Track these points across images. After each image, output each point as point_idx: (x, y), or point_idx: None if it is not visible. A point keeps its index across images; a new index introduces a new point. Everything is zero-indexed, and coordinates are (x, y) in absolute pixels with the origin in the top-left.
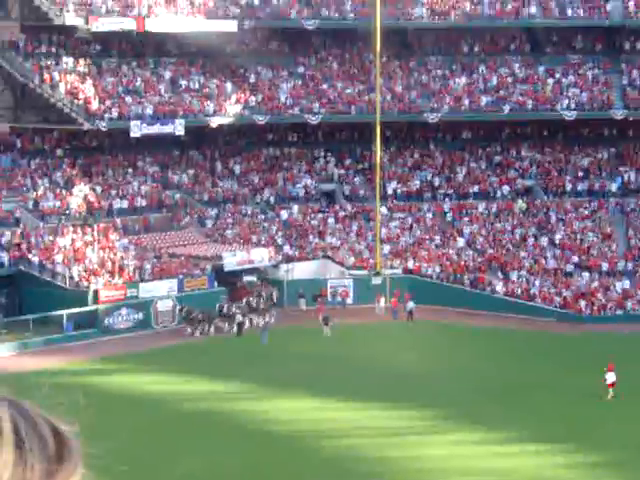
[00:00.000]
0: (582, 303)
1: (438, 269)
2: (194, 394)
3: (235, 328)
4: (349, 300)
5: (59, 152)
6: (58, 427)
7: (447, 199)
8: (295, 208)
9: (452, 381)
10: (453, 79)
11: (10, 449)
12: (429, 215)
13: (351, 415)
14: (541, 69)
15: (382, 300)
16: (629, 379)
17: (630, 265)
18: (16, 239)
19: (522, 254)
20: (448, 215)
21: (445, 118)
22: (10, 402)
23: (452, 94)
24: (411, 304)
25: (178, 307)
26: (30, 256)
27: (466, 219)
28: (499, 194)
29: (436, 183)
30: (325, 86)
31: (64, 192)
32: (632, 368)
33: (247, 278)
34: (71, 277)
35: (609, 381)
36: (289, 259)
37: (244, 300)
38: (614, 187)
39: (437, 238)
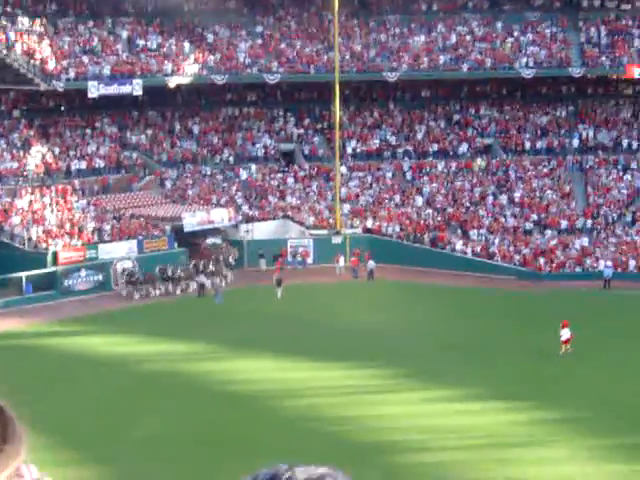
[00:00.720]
0: (541, 261)
1: (398, 228)
2: (154, 355)
3: (179, 289)
4: (309, 260)
5: (16, 113)
6: (3, 408)
7: (406, 158)
8: (254, 168)
9: (412, 339)
10: (412, 37)
11: None
12: (389, 174)
13: (312, 374)
14: (499, 27)
15: (341, 260)
16: (586, 336)
17: (589, 223)
18: None
19: (481, 212)
20: (408, 174)
21: (404, 77)
22: None
23: (411, 53)
24: (371, 263)
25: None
26: None
27: (425, 178)
28: (458, 153)
29: (395, 142)
30: (284, 45)
31: (21, 153)
32: (590, 325)
33: (210, 240)
34: (29, 239)
35: (563, 337)
36: (249, 219)
37: (192, 262)
38: (573, 145)
39: (397, 197)
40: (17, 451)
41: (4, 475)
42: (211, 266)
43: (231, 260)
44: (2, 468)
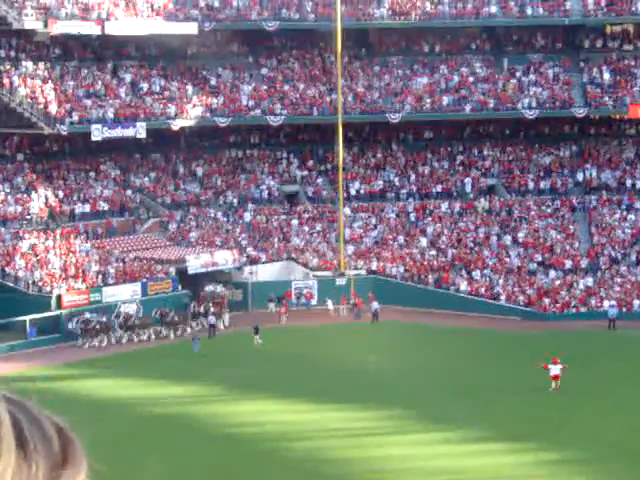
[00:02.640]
0: (546, 301)
1: (402, 269)
2: (159, 397)
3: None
4: (313, 301)
5: (20, 157)
6: (62, 425)
7: (410, 199)
8: (258, 210)
9: (417, 381)
10: (414, 79)
11: (11, 447)
12: (392, 215)
13: (316, 416)
14: (502, 68)
15: (329, 303)
16: (591, 376)
17: (593, 263)
18: None
19: (485, 253)
20: (411, 215)
21: (407, 118)
22: (9, 400)
23: (414, 94)
24: (376, 304)
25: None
26: None
27: (429, 219)
28: (462, 193)
29: (399, 183)
30: (286, 87)
31: (25, 197)
32: (594, 365)
33: (209, 287)
34: (34, 282)
35: (552, 373)
36: (253, 261)
37: (192, 306)
38: (576, 185)
39: (400, 238)
40: (78, 472)
41: None
42: (202, 309)
43: (225, 303)
44: None
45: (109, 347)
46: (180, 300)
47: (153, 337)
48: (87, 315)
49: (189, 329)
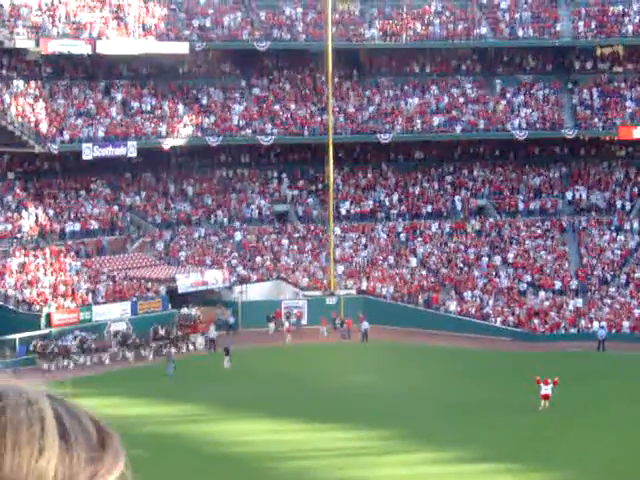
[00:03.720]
0: (535, 322)
1: (392, 289)
2: (147, 417)
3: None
4: (303, 321)
5: (10, 175)
6: (98, 419)
7: (400, 219)
8: (249, 229)
9: (407, 401)
10: (405, 99)
11: (55, 440)
12: (382, 235)
13: (307, 436)
14: (492, 89)
15: (323, 329)
16: (580, 397)
17: (582, 283)
18: None
19: (475, 273)
20: (401, 235)
21: (397, 138)
22: (50, 396)
23: (404, 114)
24: (365, 324)
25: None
26: None
27: (419, 239)
28: (452, 214)
29: (389, 203)
30: (277, 107)
31: (15, 215)
32: (583, 386)
33: (184, 310)
34: (23, 301)
35: (542, 392)
36: (243, 280)
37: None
38: (566, 206)
39: (391, 258)
40: (116, 462)
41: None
42: (176, 332)
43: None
44: (106, 472)
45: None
46: (170, 319)
47: (152, 356)
48: (77, 333)
49: (151, 355)
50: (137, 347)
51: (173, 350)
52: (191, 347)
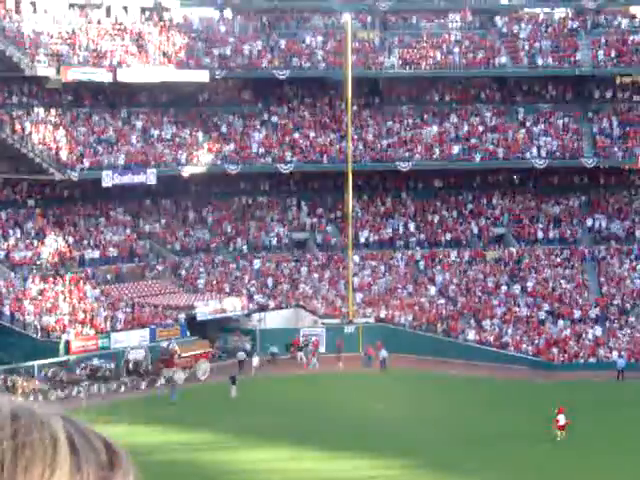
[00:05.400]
0: (554, 351)
1: (410, 317)
2: (167, 445)
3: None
4: (321, 349)
5: (30, 202)
6: (108, 439)
7: (419, 247)
8: (267, 257)
9: (425, 430)
10: (424, 128)
11: (67, 459)
12: (401, 263)
13: (324, 465)
14: (512, 118)
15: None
16: (600, 426)
17: (602, 313)
18: None
19: (494, 302)
20: (420, 263)
21: (417, 167)
22: (63, 417)
23: (423, 143)
24: (384, 352)
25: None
26: (1, 307)
27: (438, 267)
28: (471, 242)
29: (408, 231)
30: (297, 135)
31: (35, 242)
32: (602, 416)
33: (163, 344)
34: (42, 328)
35: (560, 423)
36: (261, 308)
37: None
38: (585, 234)
39: (410, 286)
40: (126, 477)
41: None
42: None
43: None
44: None
45: (107, 395)
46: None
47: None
48: (95, 361)
49: (122, 386)
50: (106, 379)
51: (177, 377)
52: (162, 381)
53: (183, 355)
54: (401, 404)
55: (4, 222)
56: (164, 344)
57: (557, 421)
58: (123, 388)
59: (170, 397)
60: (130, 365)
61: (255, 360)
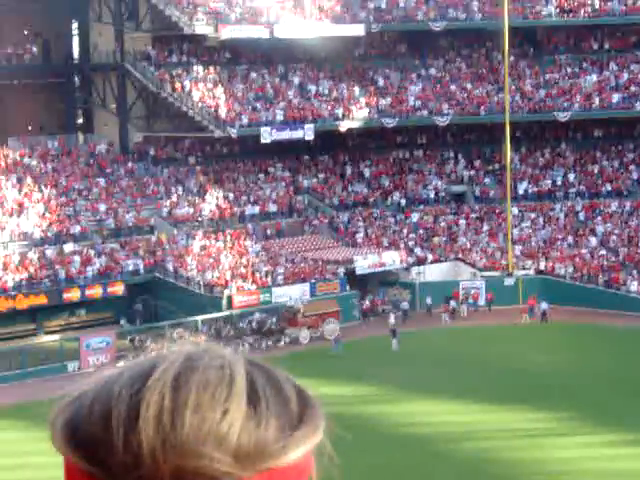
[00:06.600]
0: None
1: (571, 269)
2: (325, 397)
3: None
4: (480, 302)
5: (191, 160)
6: (303, 389)
7: (579, 198)
8: (425, 210)
9: (587, 382)
10: (583, 77)
11: (242, 402)
12: (561, 215)
13: (485, 417)
14: None
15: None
16: None
17: None
18: (151, 246)
19: None
20: (580, 214)
21: (576, 117)
22: (249, 360)
23: (582, 92)
24: (544, 304)
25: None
26: (165, 263)
27: (599, 218)
28: (632, 192)
29: (568, 182)
30: (453, 87)
31: (197, 199)
32: None
33: (288, 302)
34: (205, 283)
35: None
36: (420, 261)
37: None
38: None
39: (570, 238)
40: (311, 434)
41: (301, 451)
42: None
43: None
44: (299, 445)
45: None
46: (348, 300)
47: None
48: (256, 315)
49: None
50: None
51: (302, 336)
52: (287, 340)
53: (307, 314)
54: (562, 356)
55: (166, 180)
56: (289, 302)
57: None
58: (246, 347)
59: (332, 349)
60: (253, 324)
61: (391, 317)
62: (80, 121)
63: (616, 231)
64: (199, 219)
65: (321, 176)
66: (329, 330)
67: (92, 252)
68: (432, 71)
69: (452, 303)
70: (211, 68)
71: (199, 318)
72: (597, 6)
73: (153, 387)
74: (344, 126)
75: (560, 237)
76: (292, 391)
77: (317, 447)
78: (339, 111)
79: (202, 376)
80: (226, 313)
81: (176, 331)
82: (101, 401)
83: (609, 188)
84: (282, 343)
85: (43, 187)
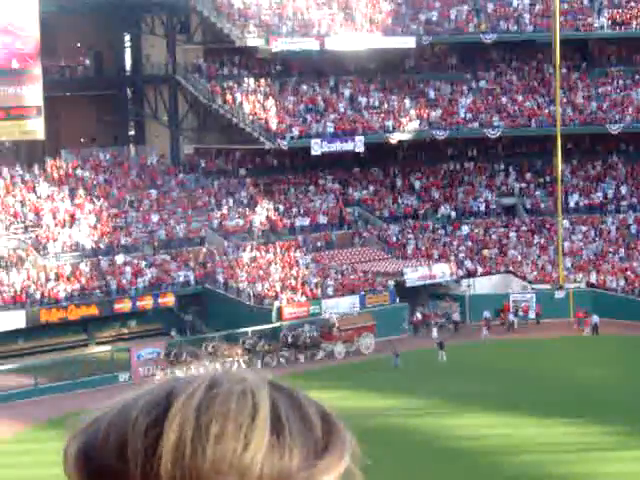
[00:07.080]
0: None
1: (623, 282)
2: (376, 410)
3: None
4: (531, 315)
5: (242, 171)
6: (328, 412)
7: (631, 211)
8: (476, 223)
9: (637, 396)
10: (635, 89)
11: (265, 432)
12: (612, 228)
13: (536, 430)
14: None
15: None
16: None
17: None
18: (202, 258)
19: None
20: (632, 227)
21: (627, 129)
22: (272, 384)
23: (634, 104)
24: (595, 318)
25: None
26: (215, 274)
27: None
28: None
29: (619, 195)
30: (504, 99)
31: (247, 211)
32: None
33: (326, 316)
34: (255, 295)
35: None
36: (470, 274)
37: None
38: None
39: (621, 251)
40: (336, 462)
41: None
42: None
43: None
44: (323, 475)
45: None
46: (398, 313)
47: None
48: (299, 329)
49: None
50: (265, 353)
51: (337, 350)
52: (322, 354)
53: (342, 328)
54: (613, 370)
55: (217, 191)
56: (325, 316)
57: None
58: (283, 361)
59: (394, 364)
60: (289, 338)
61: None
62: (132, 133)
63: None
64: (249, 231)
65: (371, 188)
66: (365, 344)
67: (143, 263)
68: (482, 83)
69: (510, 316)
70: (262, 80)
71: (249, 329)
72: None
73: (173, 417)
74: (394, 138)
75: (611, 250)
76: (316, 416)
77: (344, 474)
78: (389, 123)
79: (223, 406)
80: (267, 326)
81: (212, 344)
82: (117, 429)
83: None
84: (318, 357)
85: (95, 198)
